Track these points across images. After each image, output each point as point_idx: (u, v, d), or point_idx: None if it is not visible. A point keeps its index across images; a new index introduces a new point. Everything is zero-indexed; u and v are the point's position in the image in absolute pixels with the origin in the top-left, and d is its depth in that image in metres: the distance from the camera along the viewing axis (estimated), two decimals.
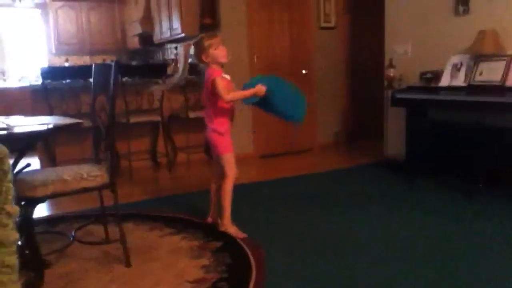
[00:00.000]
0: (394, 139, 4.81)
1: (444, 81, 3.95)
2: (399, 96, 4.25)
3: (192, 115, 5.06)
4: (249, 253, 2.67)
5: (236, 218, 3.06)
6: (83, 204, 3.46)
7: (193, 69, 5.47)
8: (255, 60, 5.58)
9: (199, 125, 5.62)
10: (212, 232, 3.04)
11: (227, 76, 2.91)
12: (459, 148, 3.90)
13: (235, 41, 5.44)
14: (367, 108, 6.04)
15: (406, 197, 3.68)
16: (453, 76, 3.91)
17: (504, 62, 3.51)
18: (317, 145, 5.99)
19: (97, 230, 3.00)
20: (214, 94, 2.85)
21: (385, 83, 4.73)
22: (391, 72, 4.67)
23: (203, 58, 2.85)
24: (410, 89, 4.27)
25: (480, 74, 3.67)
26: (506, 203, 3.39)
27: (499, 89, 3.47)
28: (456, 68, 3.89)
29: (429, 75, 4.16)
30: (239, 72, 5.46)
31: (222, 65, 2.92)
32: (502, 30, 3.70)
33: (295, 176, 4.60)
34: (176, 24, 5.84)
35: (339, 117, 6.25)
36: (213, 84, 2.81)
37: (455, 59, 3.94)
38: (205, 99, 2.99)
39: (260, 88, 2.85)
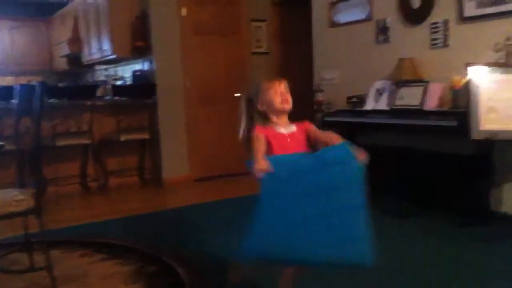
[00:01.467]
0: None
1: (369, 105, 4.20)
2: (328, 119, 4.44)
3: (124, 138, 4.96)
4: (185, 278, 2.63)
5: (173, 241, 3.01)
6: (6, 232, 3.25)
7: (120, 91, 5.39)
8: (188, 84, 5.59)
9: (132, 148, 5.58)
10: (146, 256, 2.97)
11: (284, 130, 2.11)
12: (386, 170, 4.12)
13: (168, 65, 5.44)
14: None
15: None
16: (376, 100, 4.16)
17: (422, 88, 3.80)
18: None
19: (22, 258, 2.82)
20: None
21: (315, 107, 4.93)
22: (319, 97, 4.88)
23: (259, 107, 2.11)
24: (338, 112, 4.49)
25: (401, 98, 3.94)
26: (431, 222, 3.60)
27: (418, 112, 3.74)
28: (379, 92, 4.15)
29: (355, 99, 4.40)
30: (173, 97, 5.48)
31: (284, 115, 2.15)
32: (418, 58, 4.01)
33: (232, 199, 4.60)
34: (107, 45, 5.73)
35: None
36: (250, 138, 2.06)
37: (378, 85, 4.20)
38: None
39: (261, 166, 1.82)
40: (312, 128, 2.18)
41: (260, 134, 2.00)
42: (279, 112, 2.11)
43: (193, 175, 5.62)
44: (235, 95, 5.88)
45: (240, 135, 2.13)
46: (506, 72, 3.22)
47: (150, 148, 5.45)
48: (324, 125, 4.53)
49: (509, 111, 3.14)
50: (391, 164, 4.05)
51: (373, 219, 3.70)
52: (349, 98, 4.46)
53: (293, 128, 2.13)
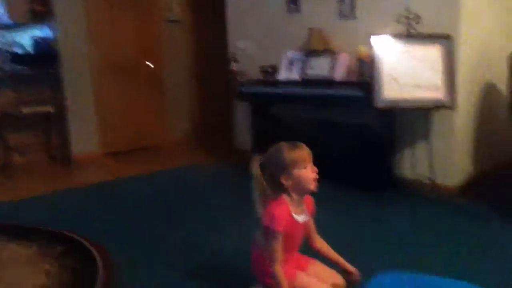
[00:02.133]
0: (244, 133, 5.00)
1: (282, 75, 4.26)
2: (242, 90, 4.45)
3: (25, 110, 4.60)
4: (96, 255, 2.54)
5: (81, 222, 2.88)
6: None
7: (19, 59, 4.94)
8: (92, 50, 5.26)
9: (37, 123, 5.19)
10: (54, 236, 2.82)
11: (300, 218, 1.87)
12: (298, 140, 4.22)
13: (72, 32, 5.08)
14: (218, 103, 6.16)
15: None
16: (289, 70, 4.23)
17: (330, 58, 3.91)
18: (168, 141, 5.92)
19: None
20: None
21: (230, 77, 4.90)
22: (234, 67, 4.86)
23: (283, 180, 1.81)
24: (252, 83, 4.50)
25: (311, 69, 4.03)
26: (344, 191, 3.74)
27: (327, 83, 3.86)
28: (291, 63, 4.22)
29: (268, 69, 4.43)
30: (79, 67, 5.15)
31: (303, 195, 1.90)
32: (327, 28, 4.11)
33: (145, 175, 4.48)
34: (1, 9, 5.19)
35: (189, 113, 6.27)
36: (267, 231, 1.80)
37: (289, 55, 4.26)
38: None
39: None
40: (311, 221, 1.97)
41: (281, 232, 1.77)
42: (305, 193, 1.86)
43: (104, 150, 5.39)
44: (147, 63, 5.69)
45: (258, 215, 1.83)
46: (407, 43, 3.41)
47: (56, 122, 5.11)
48: (240, 97, 4.54)
49: (409, 81, 3.35)
50: (302, 135, 4.16)
51: None
52: (262, 68, 4.48)
53: (306, 215, 1.90)
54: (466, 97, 3.58)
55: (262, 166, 1.83)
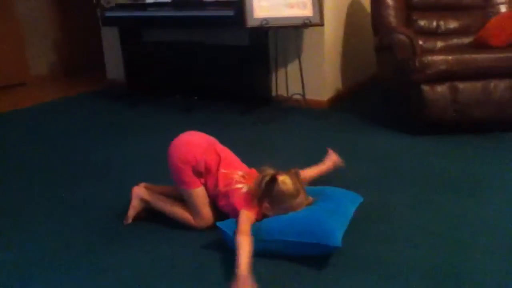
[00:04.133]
0: (114, 62, 4.69)
1: None
2: (108, 14, 4.10)
3: None
4: None
5: None
6: None
7: None
8: None
9: None
10: None
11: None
12: (173, 66, 4.08)
13: None
14: (85, 32, 5.63)
15: (131, 124, 3.58)
16: None
17: None
18: (31, 78, 5.34)
19: None
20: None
21: (94, 1, 4.47)
22: None
23: (265, 203, 1.82)
24: (119, 7, 4.17)
25: None
26: (218, 113, 3.74)
27: (198, 3, 3.71)
28: None
29: None
30: None
31: None
32: None
33: (8, 112, 4.04)
34: None
35: (54, 45, 5.67)
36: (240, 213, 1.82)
37: None
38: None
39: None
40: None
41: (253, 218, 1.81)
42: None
43: None
44: None
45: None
46: None
47: None
48: (105, 22, 4.19)
49: (278, 0, 3.34)
50: (177, 60, 4.03)
51: (162, 115, 3.69)
52: None
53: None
54: (334, 14, 3.69)
55: (269, 187, 1.80)
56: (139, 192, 2.04)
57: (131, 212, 2.02)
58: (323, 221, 1.72)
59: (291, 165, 1.90)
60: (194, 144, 1.98)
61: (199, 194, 1.93)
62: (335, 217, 1.75)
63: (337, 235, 1.66)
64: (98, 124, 3.60)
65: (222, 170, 1.93)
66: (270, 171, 1.83)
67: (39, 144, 3.19)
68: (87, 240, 1.92)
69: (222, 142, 2.07)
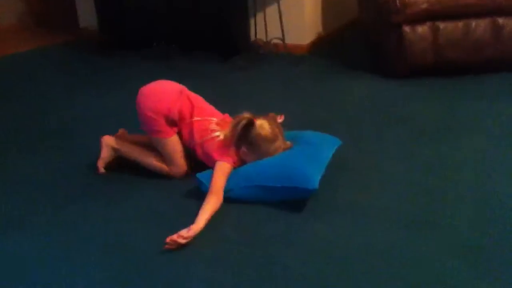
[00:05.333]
0: (87, 8, 4.42)
1: None
2: None
3: None
4: None
5: None
6: None
7: None
8: None
9: None
10: None
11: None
12: (148, 14, 3.88)
13: None
14: None
15: (104, 75, 3.42)
16: None
17: None
18: None
19: None
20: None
21: None
22: None
23: (243, 147, 1.79)
24: None
25: None
26: (195, 61, 3.60)
27: None
28: None
29: None
30: None
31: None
32: None
33: None
34: None
35: None
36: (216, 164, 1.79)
37: None
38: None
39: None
40: None
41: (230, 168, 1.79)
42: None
43: None
44: None
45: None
46: None
47: None
48: None
49: None
50: (152, 6, 3.84)
51: (138, 65, 3.54)
52: None
53: None
54: None
55: (246, 131, 1.76)
56: (109, 141, 1.99)
57: (101, 162, 1.97)
58: (301, 165, 1.70)
59: (269, 112, 1.86)
60: (166, 93, 1.91)
61: (173, 142, 1.88)
62: (313, 161, 1.73)
63: (315, 179, 1.65)
64: (69, 76, 3.46)
65: (196, 118, 1.88)
66: (246, 115, 1.78)
67: (6, 100, 3.05)
68: (55, 194, 1.86)
69: (197, 90, 2.01)
